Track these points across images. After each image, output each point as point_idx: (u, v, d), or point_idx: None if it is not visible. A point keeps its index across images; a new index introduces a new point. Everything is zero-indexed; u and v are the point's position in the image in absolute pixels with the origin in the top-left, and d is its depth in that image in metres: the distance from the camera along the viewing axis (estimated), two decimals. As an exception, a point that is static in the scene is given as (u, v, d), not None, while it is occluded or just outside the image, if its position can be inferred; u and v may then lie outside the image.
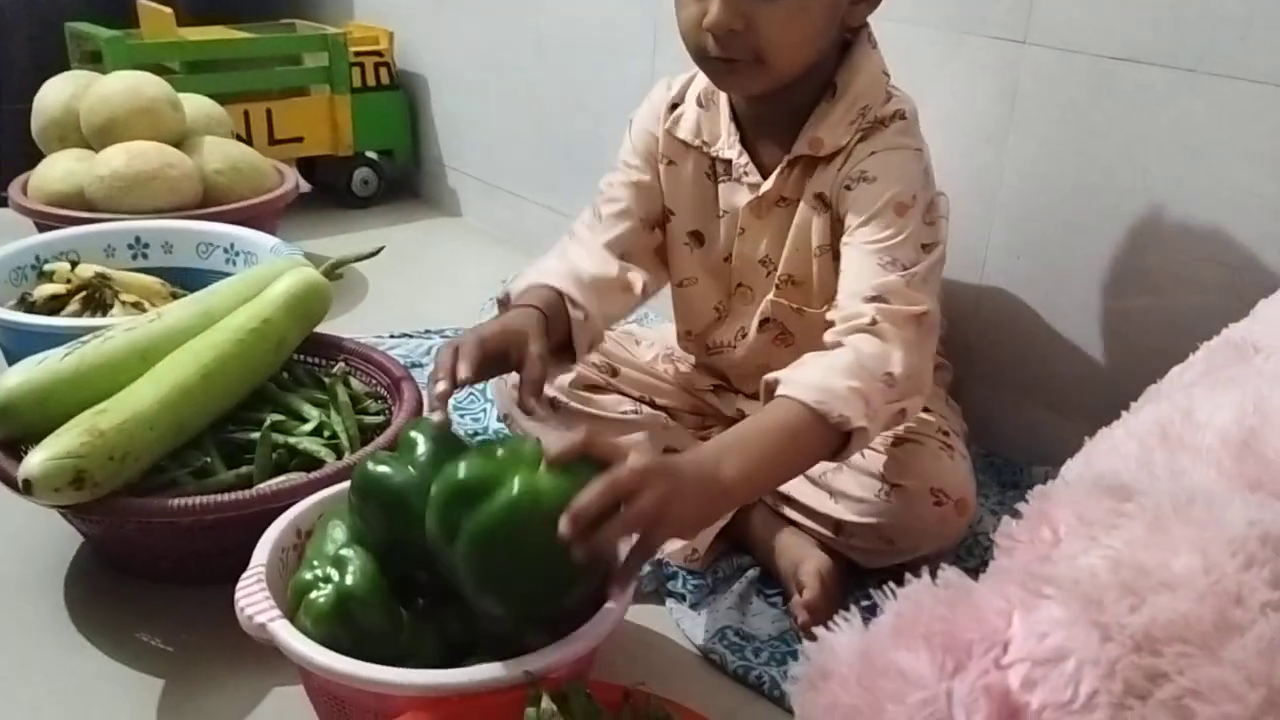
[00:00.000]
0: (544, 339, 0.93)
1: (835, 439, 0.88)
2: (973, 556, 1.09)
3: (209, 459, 1.04)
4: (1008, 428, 1.27)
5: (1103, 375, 1.19)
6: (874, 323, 0.92)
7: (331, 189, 2.20)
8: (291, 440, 1.07)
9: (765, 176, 1.05)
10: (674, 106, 1.11)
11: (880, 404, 0.89)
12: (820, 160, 1.02)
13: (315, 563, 0.83)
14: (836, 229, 1.02)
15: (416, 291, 1.81)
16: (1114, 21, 1.10)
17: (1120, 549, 0.52)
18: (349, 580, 0.80)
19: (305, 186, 2.17)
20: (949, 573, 0.55)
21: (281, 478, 1.02)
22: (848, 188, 1.00)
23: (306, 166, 2.19)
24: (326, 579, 0.81)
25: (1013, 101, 1.20)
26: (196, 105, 1.80)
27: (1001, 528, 0.60)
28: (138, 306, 1.35)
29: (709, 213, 1.10)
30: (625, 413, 1.16)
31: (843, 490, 1.03)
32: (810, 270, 1.06)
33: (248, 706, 0.91)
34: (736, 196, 1.08)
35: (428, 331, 1.61)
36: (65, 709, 0.91)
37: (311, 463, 1.05)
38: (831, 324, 0.95)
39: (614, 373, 1.20)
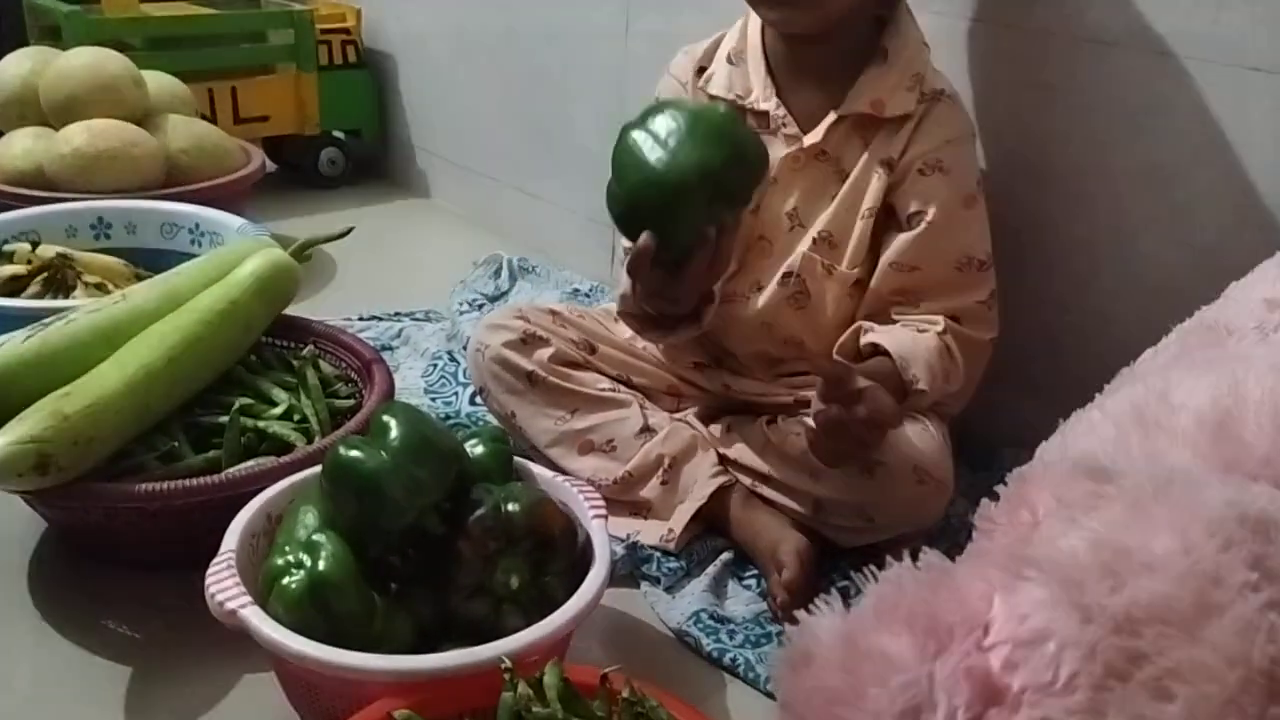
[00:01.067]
0: None
1: (899, 392, 0.98)
2: (944, 539, 1.09)
3: (176, 443, 1.02)
4: (977, 411, 1.27)
5: (1070, 358, 1.19)
6: (944, 331, 1.03)
7: (298, 169, 2.17)
8: (260, 424, 1.05)
9: (802, 129, 1.08)
10: (700, 71, 1.14)
11: (940, 385, 1.01)
12: (883, 123, 1.06)
13: (287, 548, 0.82)
14: (890, 192, 1.07)
15: (386, 274, 1.79)
16: (1081, 1, 1.10)
17: (1100, 530, 0.52)
18: (321, 565, 0.79)
19: (271, 166, 2.15)
20: (930, 555, 0.55)
21: (251, 462, 1.01)
22: (921, 171, 1.05)
23: (273, 146, 2.16)
24: (299, 564, 0.80)
25: (977, 81, 1.20)
26: (160, 83, 1.77)
27: (980, 510, 0.60)
28: (101, 288, 1.33)
29: None
30: (603, 390, 1.16)
31: (821, 467, 1.02)
32: (852, 230, 1.08)
33: (218, 694, 0.90)
34: (771, 148, 1.08)
35: (398, 314, 1.60)
36: (32, 698, 0.90)
37: (281, 447, 1.04)
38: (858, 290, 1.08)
39: (592, 349, 1.19)
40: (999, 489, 0.59)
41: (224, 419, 1.04)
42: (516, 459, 0.99)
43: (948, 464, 1.03)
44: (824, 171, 1.09)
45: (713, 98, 1.11)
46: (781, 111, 1.08)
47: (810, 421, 0.95)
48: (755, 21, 1.11)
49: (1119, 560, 0.50)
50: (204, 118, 1.86)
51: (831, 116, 1.07)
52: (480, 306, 1.55)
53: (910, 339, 1.01)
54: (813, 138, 1.07)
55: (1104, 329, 1.16)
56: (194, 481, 0.94)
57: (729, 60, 1.12)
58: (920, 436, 1.02)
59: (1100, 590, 0.49)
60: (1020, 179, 1.20)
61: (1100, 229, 1.14)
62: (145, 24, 1.93)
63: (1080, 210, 1.15)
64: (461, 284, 1.64)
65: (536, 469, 1.00)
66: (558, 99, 1.79)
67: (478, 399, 1.24)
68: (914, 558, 0.55)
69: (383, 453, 0.82)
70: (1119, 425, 0.67)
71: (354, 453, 0.83)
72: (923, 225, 1.05)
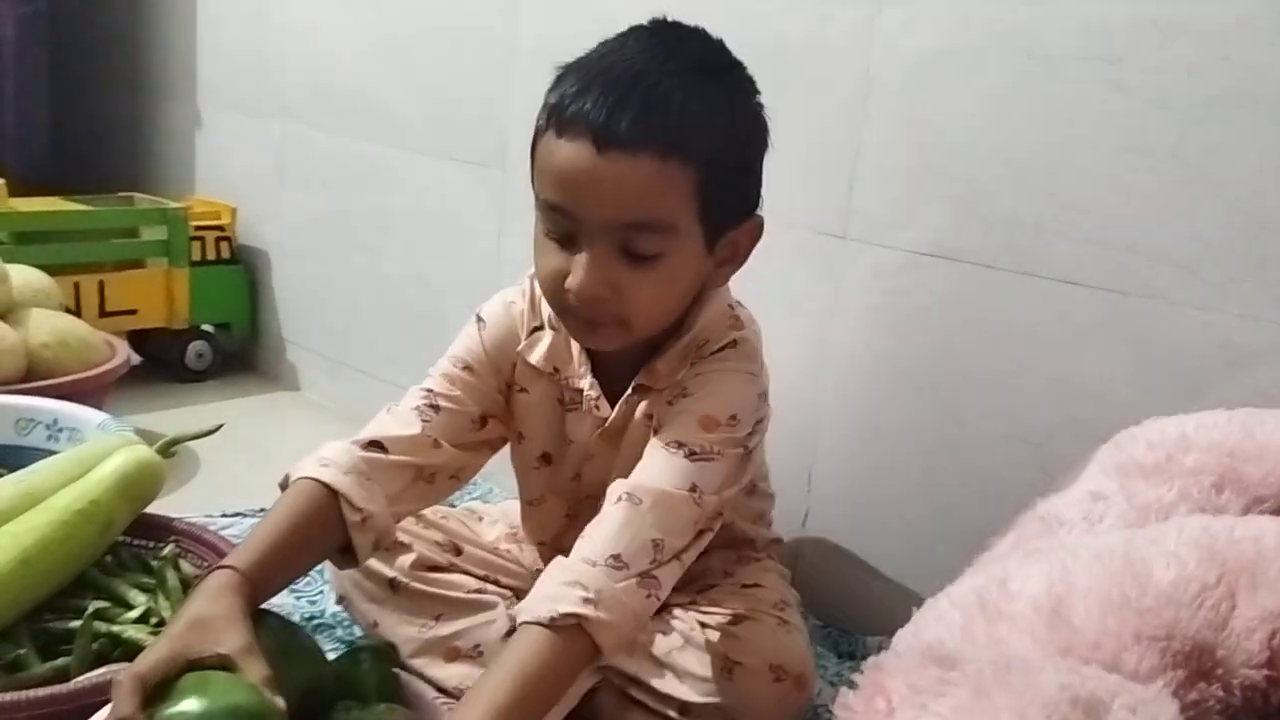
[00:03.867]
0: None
1: None
2: (814, 729, 1.11)
3: (23, 650, 0.97)
4: (842, 598, 1.31)
5: (926, 545, 1.25)
6: (620, 500, 0.92)
7: (164, 362, 2.14)
8: (115, 629, 1.01)
9: (611, 405, 1.06)
10: (532, 330, 1.08)
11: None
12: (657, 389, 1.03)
13: (140, 761, 0.78)
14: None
15: (251, 469, 1.76)
16: (927, 219, 1.21)
17: (949, 715, 0.55)
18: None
19: (137, 359, 2.11)
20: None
21: (103, 669, 0.96)
22: (670, 403, 1.01)
23: (138, 338, 2.13)
24: (152, 778, 0.77)
25: (835, 294, 1.30)
26: (25, 277, 1.75)
27: (839, 698, 0.63)
28: (-52, 487, 1.27)
29: (558, 436, 1.10)
30: (469, 592, 1.15)
31: (686, 669, 1.03)
32: None
33: None
34: (584, 425, 1.08)
35: (262, 510, 1.56)
36: None
37: (137, 652, 0.99)
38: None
39: (457, 551, 1.19)
40: (856, 677, 0.62)
41: (76, 624, 1.00)
42: (408, 678, 0.96)
43: (807, 658, 1.04)
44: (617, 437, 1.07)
45: (531, 367, 1.07)
46: (595, 392, 1.05)
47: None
48: None
49: (966, 744, 0.53)
50: (69, 310, 1.84)
51: (626, 393, 1.04)
52: (349, 502, 1.54)
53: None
54: (611, 416, 1.05)
55: (953, 516, 1.22)
56: (39, 692, 0.89)
57: (552, 325, 1.06)
58: (775, 633, 1.04)
59: (950, 774, 0.52)
60: (874, 379, 1.28)
61: (944, 423, 1.22)
62: (13, 219, 1.92)
63: (931, 410, 1.24)
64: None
65: (426, 689, 0.96)
66: (431, 295, 1.83)
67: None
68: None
69: (230, 666, 0.80)
70: (964, 612, 0.72)
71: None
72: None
